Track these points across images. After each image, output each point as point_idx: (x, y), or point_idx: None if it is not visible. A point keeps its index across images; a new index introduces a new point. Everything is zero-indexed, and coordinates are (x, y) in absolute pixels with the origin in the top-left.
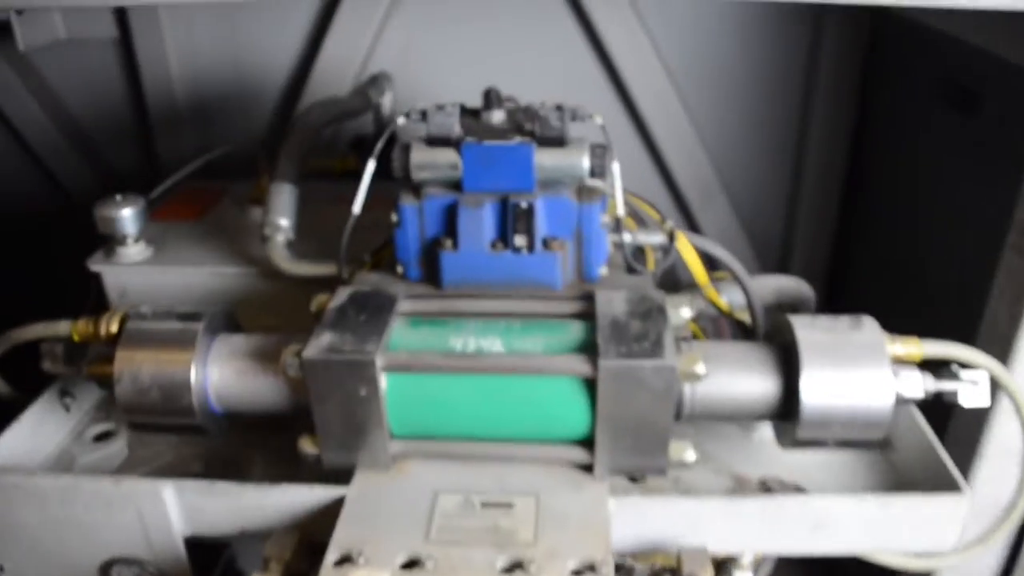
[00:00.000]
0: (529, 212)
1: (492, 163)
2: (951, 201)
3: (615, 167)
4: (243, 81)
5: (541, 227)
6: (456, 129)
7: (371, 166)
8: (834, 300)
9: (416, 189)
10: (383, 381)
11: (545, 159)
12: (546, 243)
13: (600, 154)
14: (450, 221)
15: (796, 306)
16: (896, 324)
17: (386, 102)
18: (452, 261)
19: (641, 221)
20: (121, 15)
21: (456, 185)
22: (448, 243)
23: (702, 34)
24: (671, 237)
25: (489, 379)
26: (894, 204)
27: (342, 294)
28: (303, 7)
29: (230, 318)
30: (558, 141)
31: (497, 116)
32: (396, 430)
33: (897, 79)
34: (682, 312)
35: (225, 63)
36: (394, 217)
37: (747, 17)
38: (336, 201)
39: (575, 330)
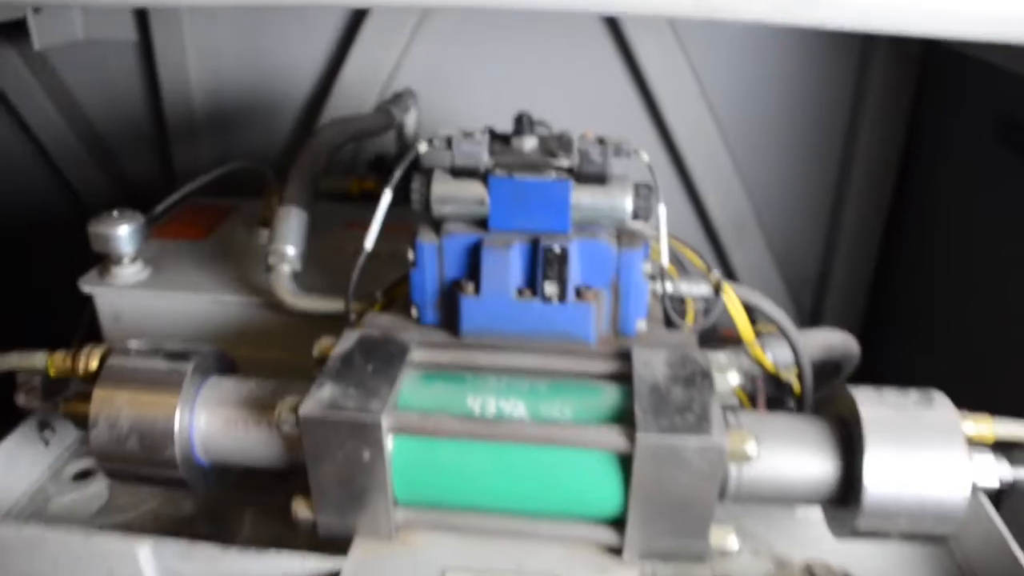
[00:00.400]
0: (562, 257)
1: (523, 200)
2: (1009, 250)
3: (661, 210)
4: (264, 91)
5: (575, 274)
6: (484, 159)
7: (387, 197)
8: (868, 351)
9: (436, 225)
10: (389, 443)
11: (583, 198)
12: (579, 292)
13: (645, 195)
14: (473, 262)
15: (842, 363)
16: (938, 386)
17: (410, 121)
18: (473, 307)
19: (682, 268)
20: (142, 17)
21: (481, 222)
22: (470, 287)
23: (744, 63)
24: (717, 289)
25: (510, 448)
26: (943, 250)
27: (348, 339)
28: (329, 18)
29: (224, 358)
30: (599, 178)
31: (529, 143)
32: (401, 497)
33: (949, 116)
34: (729, 378)
35: (247, 72)
36: (410, 255)
37: (792, 46)
38: (351, 226)
39: (609, 395)
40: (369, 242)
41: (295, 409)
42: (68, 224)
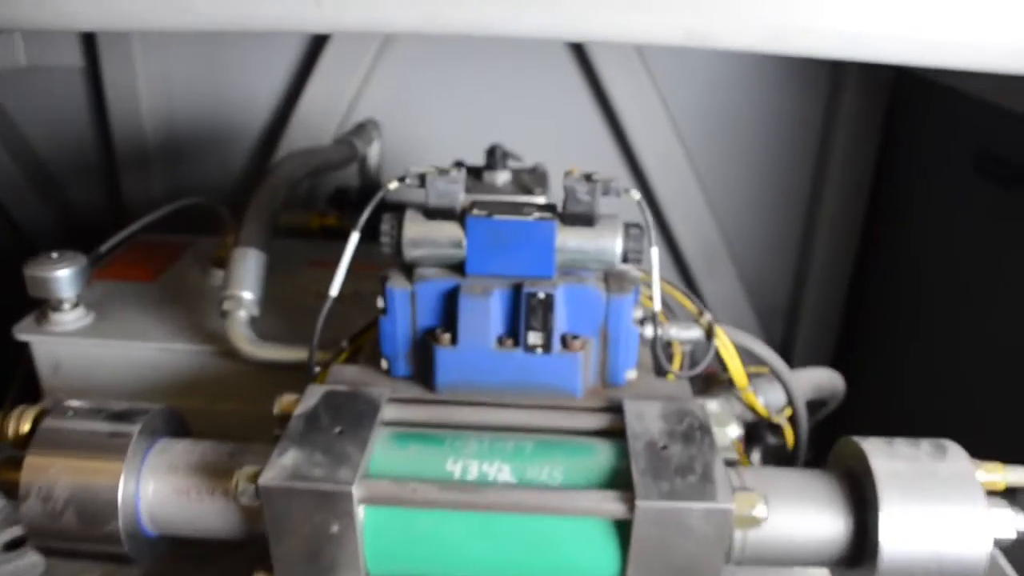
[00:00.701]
0: (547, 303)
1: (504, 242)
2: (987, 283)
3: (653, 252)
4: (219, 121)
5: (560, 322)
6: (461, 199)
7: (354, 240)
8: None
9: (408, 269)
10: (361, 514)
11: (569, 240)
12: (565, 341)
13: (636, 236)
14: (449, 310)
15: (828, 400)
16: (911, 418)
17: (373, 153)
18: (449, 359)
19: (669, 310)
20: (89, 43)
21: (458, 267)
22: (445, 337)
23: (714, 91)
24: (709, 333)
25: (495, 516)
26: (916, 281)
27: (312, 395)
28: (288, 44)
29: (174, 418)
30: (586, 219)
31: (502, 177)
32: (374, 570)
33: (922, 146)
34: (729, 431)
35: (201, 100)
36: (380, 303)
37: (762, 76)
38: (313, 265)
39: (601, 454)
40: (334, 289)
41: (254, 479)
42: (7, 260)
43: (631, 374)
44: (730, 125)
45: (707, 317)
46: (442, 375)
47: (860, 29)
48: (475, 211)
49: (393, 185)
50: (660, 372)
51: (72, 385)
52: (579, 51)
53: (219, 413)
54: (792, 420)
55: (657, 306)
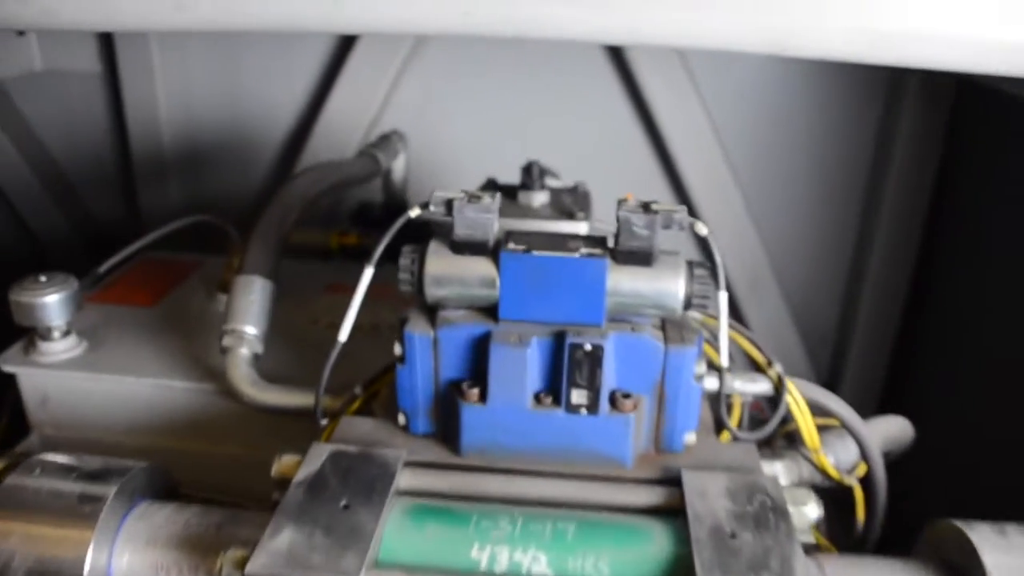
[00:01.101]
0: (594, 356)
1: (545, 283)
2: None
3: (722, 297)
4: (240, 129)
5: (609, 378)
6: (494, 230)
7: (367, 276)
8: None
9: (432, 311)
10: None
11: (623, 281)
12: (615, 400)
13: (703, 279)
14: (478, 361)
15: (900, 452)
16: (976, 472)
17: (398, 166)
18: (478, 418)
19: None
20: (108, 47)
21: (490, 310)
22: (473, 392)
23: (761, 101)
24: (779, 387)
25: None
26: (979, 310)
27: (316, 457)
28: (312, 49)
29: (159, 477)
30: (643, 257)
31: (539, 198)
32: None
33: (987, 162)
34: (808, 511)
35: (221, 108)
36: (397, 349)
37: (813, 85)
38: (330, 290)
39: (656, 540)
40: (344, 332)
41: (242, 565)
42: (23, 272)
43: (690, 437)
44: (778, 137)
45: (777, 368)
46: (468, 436)
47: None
48: (511, 245)
49: (415, 212)
50: (719, 426)
51: (61, 420)
52: (618, 58)
53: (221, 457)
54: (866, 484)
55: (724, 359)
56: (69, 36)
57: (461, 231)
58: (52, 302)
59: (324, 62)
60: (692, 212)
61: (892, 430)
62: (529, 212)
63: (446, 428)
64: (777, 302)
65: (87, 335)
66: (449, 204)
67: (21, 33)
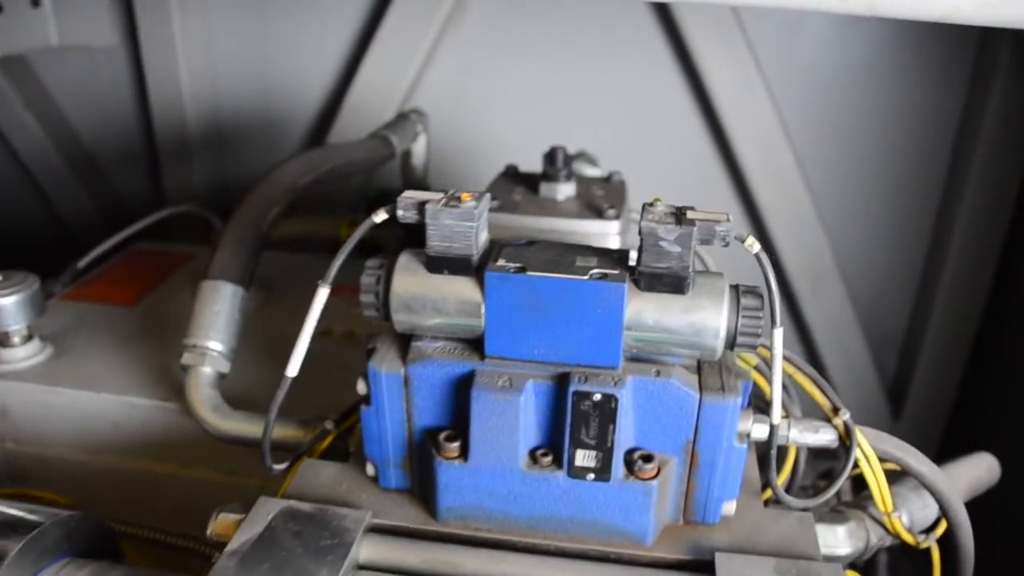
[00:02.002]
0: (606, 408)
1: (544, 311)
2: None
3: (777, 336)
4: (268, 104)
5: (626, 434)
6: (480, 242)
7: (322, 296)
8: (962, 431)
9: (404, 341)
10: None
11: (647, 312)
12: (632, 464)
13: (754, 311)
14: (459, 406)
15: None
16: None
17: (418, 149)
18: (458, 478)
19: (786, 394)
20: (129, 21)
21: (475, 343)
22: (452, 448)
23: (829, 84)
24: (846, 437)
25: None
26: None
27: (261, 516)
28: (344, 15)
29: (88, 529)
30: (674, 281)
31: (564, 191)
32: None
33: None
34: None
35: (247, 82)
36: (361, 387)
37: (887, 61)
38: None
39: None
40: (292, 367)
41: None
42: (49, 255)
43: (728, 507)
44: (847, 120)
45: (844, 416)
46: (447, 499)
47: None
48: (500, 262)
49: (379, 217)
50: (765, 485)
51: (22, 434)
52: (673, 34)
53: (193, 482)
54: (947, 544)
55: (776, 413)
56: (85, 6)
57: (437, 243)
58: (9, 304)
59: (356, 29)
60: (751, 203)
61: (978, 475)
62: (551, 207)
63: (423, 483)
64: (842, 301)
65: (54, 339)
66: (421, 208)
67: (36, 3)
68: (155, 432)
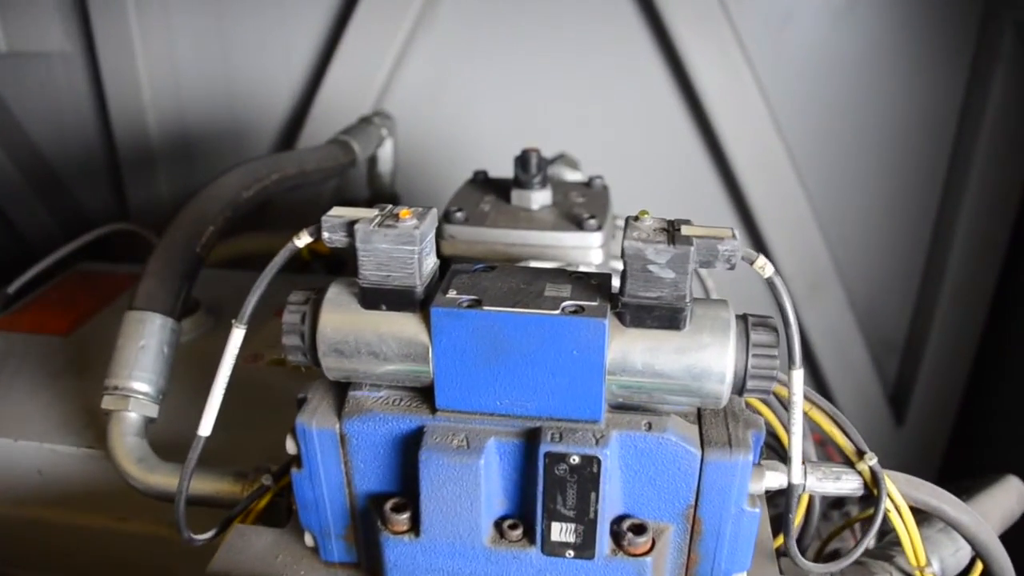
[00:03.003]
0: (586, 473)
1: (507, 355)
2: None
3: (796, 378)
4: (235, 112)
5: (612, 502)
6: (425, 270)
7: (236, 340)
8: (967, 439)
9: (340, 391)
10: None
11: (634, 352)
12: (620, 536)
13: (767, 347)
14: (407, 470)
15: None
16: None
17: (384, 155)
18: (408, 557)
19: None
20: (84, 23)
21: (424, 392)
22: (400, 520)
23: (824, 75)
24: (873, 485)
25: None
26: None
27: None
28: (310, 18)
29: None
30: (667, 316)
31: (539, 199)
32: None
33: None
34: None
35: (212, 88)
36: (290, 446)
37: (883, 51)
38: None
39: None
40: (205, 425)
41: None
42: (4, 268)
43: None
44: (842, 118)
45: (871, 461)
46: None
47: None
48: (451, 294)
49: (302, 241)
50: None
51: None
52: (658, 28)
53: (129, 537)
54: None
55: (795, 471)
56: (35, 11)
57: (371, 272)
58: None
59: (322, 30)
60: (742, 204)
61: (1009, 506)
62: (524, 218)
63: (370, 558)
64: (840, 304)
65: None
66: (350, 229)
67: None
68: (83, 482)
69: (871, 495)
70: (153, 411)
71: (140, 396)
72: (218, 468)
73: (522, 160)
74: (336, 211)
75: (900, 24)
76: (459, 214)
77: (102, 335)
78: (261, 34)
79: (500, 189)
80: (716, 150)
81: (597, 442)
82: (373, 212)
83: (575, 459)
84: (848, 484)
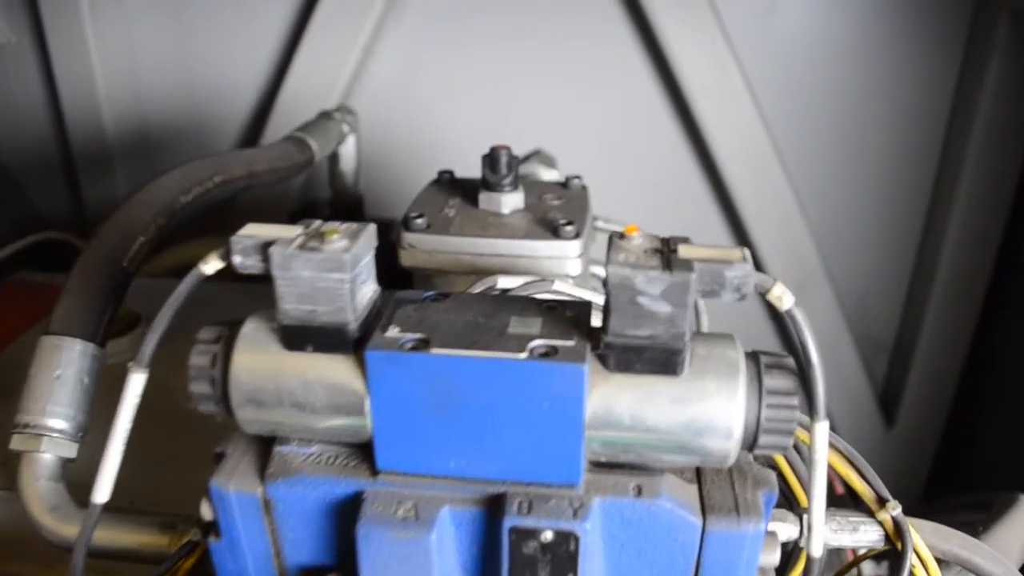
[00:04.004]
0: (563, 551)
1: (461, 407)
2: None
3: (819, 431)
4: (195, 107)
5: None
6: (362, 300)
7: (137, 385)
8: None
9: (264, 446)
10: None
11: (622, 404)
12: None
13: (784, 395)
14: (345, 541)
15: None
16: None
17: (347, 152)
18: None
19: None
20: (33, 13)
21: (364, 449)
22: None
23: (810, 65)
24: (896, 537)
25: None
26: None
27: None
28: (274, 8)
29: None
30: (661, 358)
31: (510, 202)
32: None
33: None
34: None
35: (171, 82)
36: (205, 510)
37: (871, 40)
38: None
39: None
40: (101, 491)
41: None
42: None
43: None
44: (831, 109)
45: (893, 511)
46: None
47: None
48: (392, 332)
49: (211, 267)
50: None
51: None
52: (638, 16)
53: None
54: None
55: (816, 545)
56: None
57: (292, 306)
58: None
59: (286, 21)
60: (726, 199)
61: None
62: (492, 224)
63: None
64: (829, 303)
65: None
66: (264, 251)
67: None
68: (3, 526)
69: (893, 549)
70: (71, 451)
71: (55, 435)
72: (142, 516)
73: (491, 159)
74: (249, 229)
75: (890, 12)
76: (420, 220)
77: (28, 357)
78: (222, 24)
79: (467, 191)
80: (700, 144)
81: (575, 513)
82: (295, 230)
83: (547, 535)
84: (867, 536)
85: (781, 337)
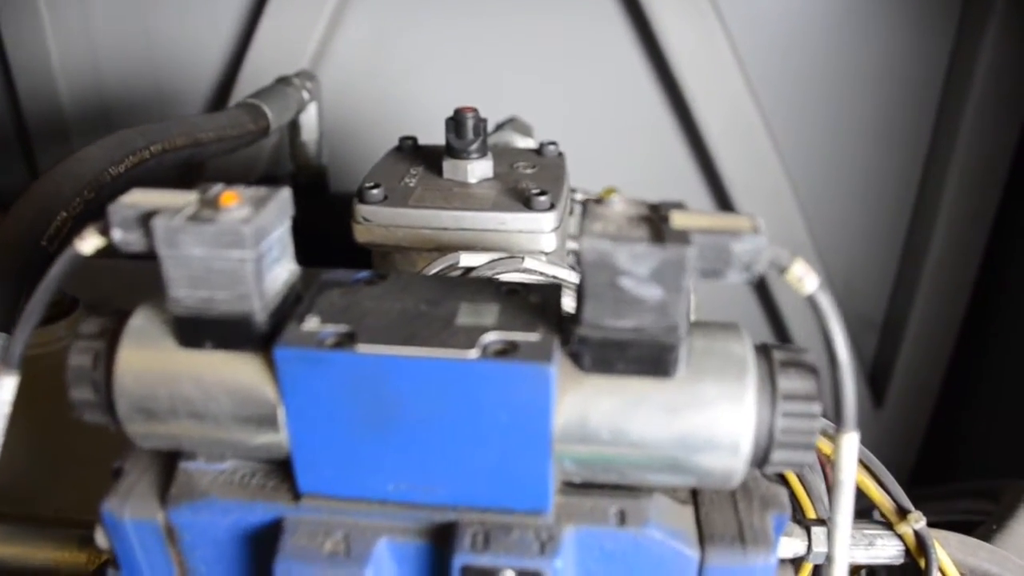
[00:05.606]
0: None
1: (400, 417)
2: None
3: (847, 444)
4: (158, 78)
5: None
6: (273, 284)
7: (9, 387)
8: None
9: (168, 463)
10: None
11: (599, 413)
12: None
13: (802, 400)
14: (265, 574)
15: None
16: None
17: (309, 121)
18: None
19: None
20: None
21: (284, 466)
22: None
23: (801, 40)
24: (918, 553)
25: None
26: None
27: None
28: None
29: None
30: (652, 359)
31: (478, 170)
32: None
33: None
34: None
35: (131, 52)
36: (100, 538)
37: (863, 13)
38: None
39: None
40: None
41: None
42: None
43: None
44: (821, 81)
45: (916, 524)
46: None
47: None
48: (310, 324)
49: (87, 243)
50: None
51: None
52: None
53: None
54: None
55: (842, 557)
56: None
57: (185, 293)
58: None
59: None
60: (714, 176)
61: None
62: (458, 195)
63: None
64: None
65: None
66: (146, 224)
67: None
68: None
69: (915, 566)
70: None
71: None
72: (61, 529)
73: (456, 122)
74: (131, 197)
75: None
76: (376, 191)
77: None
78: None
79: (431, 159)
80: (686, 117)
81: (543, 547)
82: (187, 197)
83: (510, 573)
84: (885, 551)
85: (773, 327)
